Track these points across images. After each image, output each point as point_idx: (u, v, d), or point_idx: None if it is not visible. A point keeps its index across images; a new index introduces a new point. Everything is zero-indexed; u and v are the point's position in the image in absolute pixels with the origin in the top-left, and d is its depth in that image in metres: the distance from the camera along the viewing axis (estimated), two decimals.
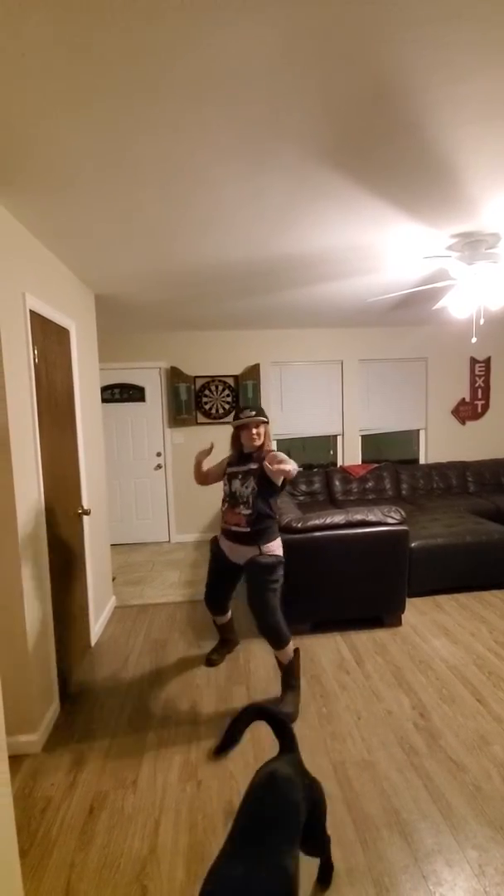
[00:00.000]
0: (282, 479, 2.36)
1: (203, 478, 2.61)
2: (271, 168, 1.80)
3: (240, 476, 2.43)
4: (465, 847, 1.60)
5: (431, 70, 1.30)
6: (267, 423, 2.48)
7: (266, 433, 2.48)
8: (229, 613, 2.80)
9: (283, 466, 2.21)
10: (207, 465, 2.61)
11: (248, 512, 2.36)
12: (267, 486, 2.38)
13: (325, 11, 1.11)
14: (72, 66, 1.24)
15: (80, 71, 1.25)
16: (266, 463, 2.27)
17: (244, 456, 2.47)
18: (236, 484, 2.42)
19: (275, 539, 2.43)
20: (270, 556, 2.37)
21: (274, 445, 5.29)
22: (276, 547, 2.41)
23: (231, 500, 2.44)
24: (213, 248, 2.60)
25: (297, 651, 2.42)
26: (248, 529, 2.36)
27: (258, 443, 2.43)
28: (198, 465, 2.58)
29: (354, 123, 1.53)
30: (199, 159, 1.71)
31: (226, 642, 2.86)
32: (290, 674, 2.38)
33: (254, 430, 2.42)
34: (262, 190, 1.97)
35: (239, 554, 2.43)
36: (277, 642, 2.35)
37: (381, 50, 1.23)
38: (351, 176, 1.87)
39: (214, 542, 2.60)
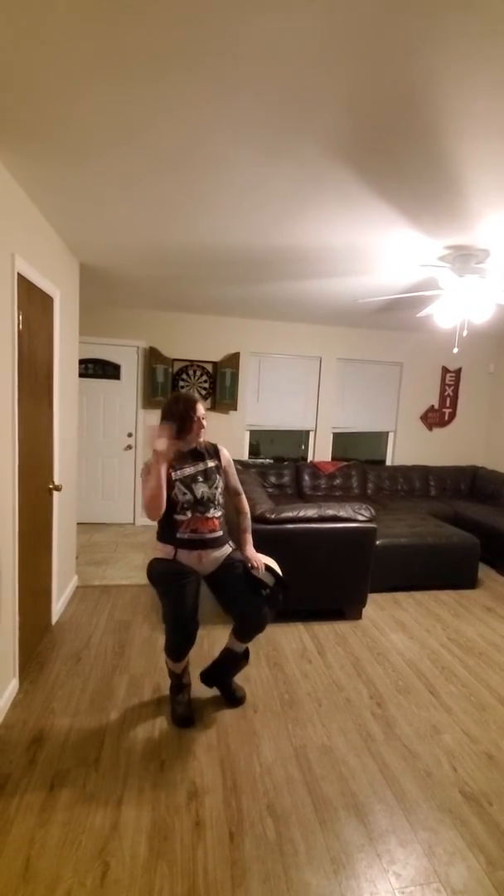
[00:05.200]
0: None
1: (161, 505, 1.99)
2: (285, 158, 1.79)
3: (201, 478, 2.09)
4: (417, 829, 1.69)
5: (459, 81, 1.33)
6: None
7: None
8: None
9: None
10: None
11: (220, 513, 2.13)
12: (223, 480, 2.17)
13: (370, 11, 1.11)
14: (100, 32, 1.19)
15: (107, 37, 1.21)
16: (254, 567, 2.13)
17: (187, 454, 2.10)
18: (201, 488, 2.07)
19: None
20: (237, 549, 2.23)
21: (247, 437, 5.41)
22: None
23: (199, 506, 2.06)
24: (212, 230, 2.56)
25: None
26: (222, 532, 2.15)
27: (204, 433, 2.12)
28: (158, 485, 1.94)
29: (375, 124, 1.55)
30: (215, 140, 1.68)
31: (188, 687, 2.28)
32: (244, 659, 2.32)
33: (203, 421, 2.09)
34: (270, 179, 1.96)
35: (212, 560, 2.12)
36: (261, 631, 2.19)
37: (414, 56, 1.24)
38: (362, 175, 1.88)
39: (171, 563, 2.07)
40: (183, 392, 2.18)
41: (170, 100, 1.47)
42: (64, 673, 2.51)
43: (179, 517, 2.06)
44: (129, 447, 5.20)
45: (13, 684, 2.29)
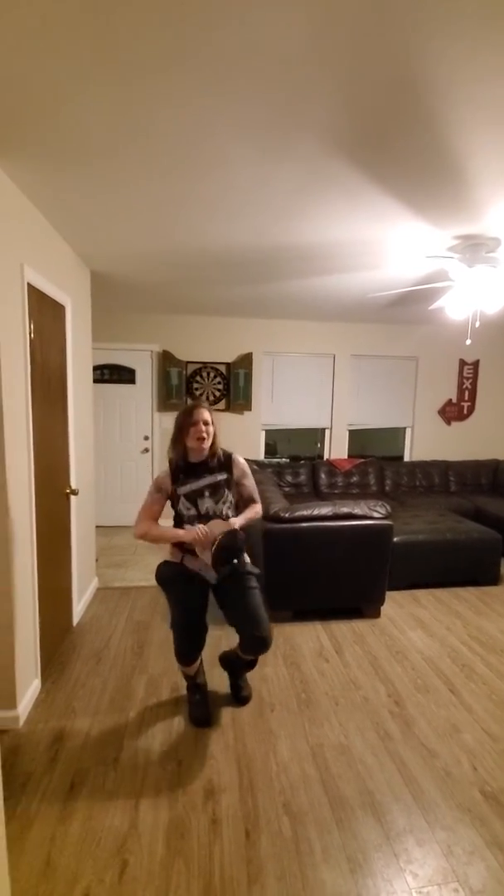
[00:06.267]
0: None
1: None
2: (284, 155, 1.79)
3: (207, 493, 2.02)
4: (435, 828, 1.67)
5: (458, 67, 1.31)
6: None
7: (217, 430, 2.05)
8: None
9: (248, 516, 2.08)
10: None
11: None
12: (234, 493, 2.10)
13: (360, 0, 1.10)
14: (92, 30, 1.20)
15: (102, 35, 1.22)
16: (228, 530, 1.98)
17: (196, 466, 2.02)
18: (207, 503, 2.01)
19: None
20: (254, 568, 2.15)
21: (262, 437, 5.41)
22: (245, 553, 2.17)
23: (203, 521, 2.02)
24: (217, 231, 2.58)
25: None
26: None
27: (207, 443, 1.99)
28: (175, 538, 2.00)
29: (374, 116, 1.53)
30: (213, 139, 1.69)
31: (203, 687, 2.30)
32: (248, 666, 2.25)
33: (202, 427, 1.97)
34: (272, 176, 1.95)
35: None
36: (268, 646, 2.05)
37: (411, 42, 1.23)
38: (364, 169, 1.87)
39: (178, 567, 2.08)
40: (192, 402, 2.10)
41: (166, 102, 1.49)
42: (84, 673, 2.56)
43: (186, 528, 2.04)
44: (146, 450, 5.26)
45: (35, 684, 2.35)
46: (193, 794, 1.80)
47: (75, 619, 3.08)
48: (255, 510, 2.16)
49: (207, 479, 2.04)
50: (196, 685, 2.27)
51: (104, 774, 1.88)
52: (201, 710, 2.20)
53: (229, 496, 2.06)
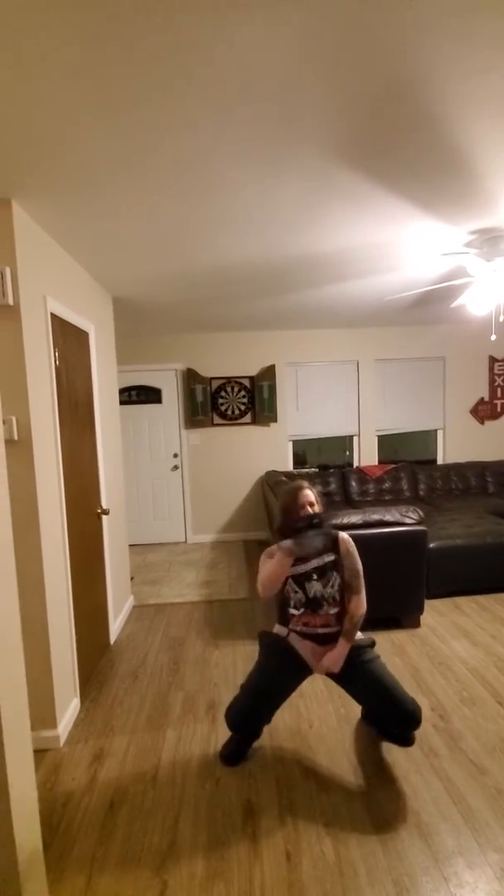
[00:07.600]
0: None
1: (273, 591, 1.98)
2: (287, 168, 1.81)
3: (315, 575, 1.98)
4: (487, 850, 1.57)
5: (451, 63, 1.29)
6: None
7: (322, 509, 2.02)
8: None
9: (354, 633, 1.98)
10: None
11: (336, 610, 1.98)
12: (342, 572, 2.02)
13: (342, 5, 1.11)
14: (89, 68, 1.26)
15: (96, 73, 1.28)
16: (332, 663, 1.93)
17: None
18: (315, 587, 1.97)
19: None
20: (363, 637, 2.04)
21: (290, 447, 5.37)
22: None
23: (311, 604, 1.98)
24: (228, 248, 2.62)
25: None
26: (339, 627, 1.99)
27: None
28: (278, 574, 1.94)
29: (371, 121, 1.53)
30: (215, 159, 1.73)
31: (248, 733, 2.10)
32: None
33: (309, 510, 1.96)
34: (277, 189, 1.98)
35: (334, 658, 1.96)
36: (420, 719, 1.94)
37: (400, 43, 1.22)
38: (368, 174, 1.86)
39: (280, 638, 2.04)
40: (289, 484, 2.08)
41: (165, 129, 1.53)
42: (122, 691, 2.58)
43: (292, 611, 2.02)
44: (176, 467, 5.33)
45: (74, 704, 2.39)
46: (232, 812, 1.77)
47: (112, 637, 3.12)
48: (358, 613, 1.99)
49: (315, 562, 1.99)
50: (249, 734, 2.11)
51: (143, 793, 1.88)
52: (231, 748, 2.05)
53: (337, 578, 1.99)
